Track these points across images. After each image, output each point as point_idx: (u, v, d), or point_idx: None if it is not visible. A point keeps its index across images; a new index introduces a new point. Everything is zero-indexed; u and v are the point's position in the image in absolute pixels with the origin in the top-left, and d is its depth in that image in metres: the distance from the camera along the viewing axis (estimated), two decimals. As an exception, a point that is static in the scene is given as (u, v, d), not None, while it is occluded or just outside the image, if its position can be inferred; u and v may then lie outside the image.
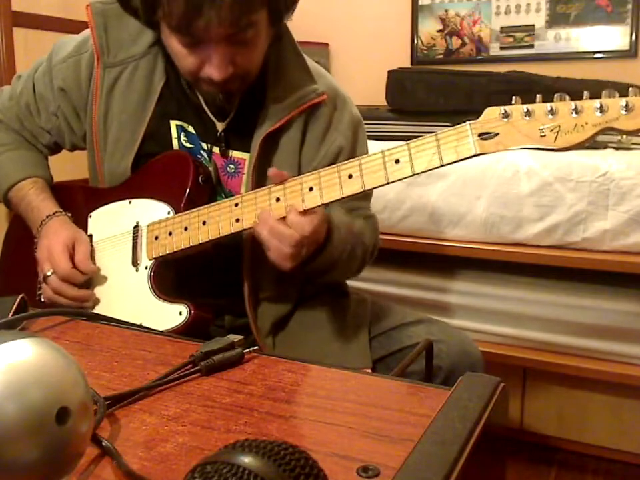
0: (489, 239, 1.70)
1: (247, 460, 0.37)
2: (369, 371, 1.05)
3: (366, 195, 1.15)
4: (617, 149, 1.69)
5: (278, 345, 1.08)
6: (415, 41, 2.56)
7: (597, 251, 1.59)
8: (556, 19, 2.31)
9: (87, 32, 1.10)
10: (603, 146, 1.69)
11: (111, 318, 0.86)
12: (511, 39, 2.40)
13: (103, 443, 0.53)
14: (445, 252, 1.76)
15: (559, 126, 0.76)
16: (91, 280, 1.06)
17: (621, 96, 0.74)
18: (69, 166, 1.40)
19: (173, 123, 1.08)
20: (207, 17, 0.87)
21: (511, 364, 1.70)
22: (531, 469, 1.73)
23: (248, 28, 0.92)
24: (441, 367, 1.03)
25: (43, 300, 1.09)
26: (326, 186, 0.89)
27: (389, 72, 2.16)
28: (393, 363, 1.07)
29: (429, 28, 2.53)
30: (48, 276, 1.03)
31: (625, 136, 1.66)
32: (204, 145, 1.08)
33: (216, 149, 1.08)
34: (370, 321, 1.14)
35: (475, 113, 0.82)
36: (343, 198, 0.89)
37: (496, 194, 1.66)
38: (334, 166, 0.89)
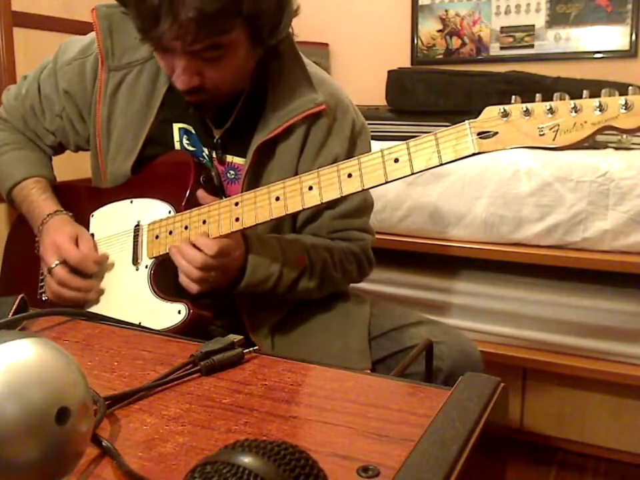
0: (489, 239, 1.70)
1: (246, 460, 0.37)
2: (369, 371, 1.04)
3: (360, 211, 1.13)
4: (616, 148, 1.69)
5: (277, 349, 1.08)
6: (415, 41, 2.56)
7: (597, 251, 1.60)
8: (556, 19, 2.31)
9: (93, 34, 1.10)
10: (603, 146, 1.69)
11: (111, 318, 0.86)
12: (510, 39, 2.40)
13: (103, 443, 0.53)
14: (445, 252, 1.76)
15: (558, 125, 0.76)
16: (91, 277, 1.06)
17: (620, 94, 0.74)
18: (71, 166, 1.40)
19: (176, 126, 1.08)
20: (162, 28, 0.86)
21: (511, 364, 1.70)
22: (531, 469, 1.73)
23: (213, 48, 0.90)
24: (441, 369, 1.03)
25: (44, 300, 1.09)
26: (325, 185, 0.89)
27: (389, 72, 2.16)
28: (393, 364, 1.06)
29: (429, 28, 2.53)
30: (53, 267, 1.02)
31: (625, 135, 1.66)
32: (205, 150, 1.08)
33: (214, 154, 1.08)
34: (370, 321, 1.13)
35: (474, 113, 0.81)
36: (342, 196, 0.88)
37: (496, 194, 1.66)
38: (333, 165, 0.89)
